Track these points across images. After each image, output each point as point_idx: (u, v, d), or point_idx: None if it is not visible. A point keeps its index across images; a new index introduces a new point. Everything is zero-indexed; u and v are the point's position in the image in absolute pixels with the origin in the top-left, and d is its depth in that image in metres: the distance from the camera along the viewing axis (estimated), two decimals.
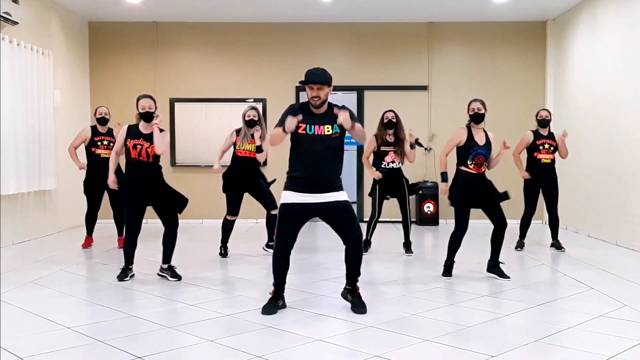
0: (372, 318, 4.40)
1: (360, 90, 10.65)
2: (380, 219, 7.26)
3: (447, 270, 5.87)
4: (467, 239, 6.96)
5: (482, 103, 5.78)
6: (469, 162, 5.68)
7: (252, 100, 10.57)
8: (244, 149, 6.86)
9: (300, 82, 4.47)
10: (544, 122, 7.34)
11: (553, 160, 7.32)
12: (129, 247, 5.72)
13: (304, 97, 4.36)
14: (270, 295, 4.65)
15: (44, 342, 3.91)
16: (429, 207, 10.21)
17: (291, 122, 4.31)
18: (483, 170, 5.77)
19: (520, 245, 7.49)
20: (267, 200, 7.00)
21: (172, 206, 5.75)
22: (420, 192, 9.95)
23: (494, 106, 9.90)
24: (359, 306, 4.58)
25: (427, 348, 3.76)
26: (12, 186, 7.83)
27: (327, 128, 4.45)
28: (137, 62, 10.65)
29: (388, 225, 9.79)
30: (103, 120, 7.54)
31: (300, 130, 4.42)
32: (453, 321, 4.37)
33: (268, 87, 10.57)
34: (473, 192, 5.70)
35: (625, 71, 7.87)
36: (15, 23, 7.91)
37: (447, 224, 10.33)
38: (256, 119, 6.85)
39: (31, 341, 3.92)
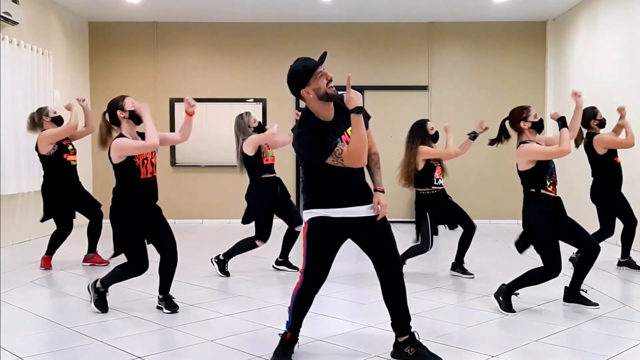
0: (372, 318, 4.40)
1: (360, 90, 10.40)
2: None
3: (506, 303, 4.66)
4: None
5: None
6: (547, 183, 4.46)
7: (252, 100, 10.58)
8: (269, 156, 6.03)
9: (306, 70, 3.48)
10: (602, 124, 6.09)
11: None
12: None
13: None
14: (286, 339, 3.63)
15: (44, 342, 3.91)
16: None
17: None
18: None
19: (624, 263, 6.33)
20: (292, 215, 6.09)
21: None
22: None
23: (494, 106, 9.93)
24: None
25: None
26: (12, 186, 7.83)
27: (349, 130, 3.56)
28: (137, 62, 10.65)
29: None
30: (59, 121, 6.36)
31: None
32: (453, 321, 4.37)
33: (268, 87, 10.56)
34: (558, 220, 4.50)
35: (625, 71, 7.86)
36: (15, 23, 7.91)
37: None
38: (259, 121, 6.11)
39: (31, 341, 3.93)
